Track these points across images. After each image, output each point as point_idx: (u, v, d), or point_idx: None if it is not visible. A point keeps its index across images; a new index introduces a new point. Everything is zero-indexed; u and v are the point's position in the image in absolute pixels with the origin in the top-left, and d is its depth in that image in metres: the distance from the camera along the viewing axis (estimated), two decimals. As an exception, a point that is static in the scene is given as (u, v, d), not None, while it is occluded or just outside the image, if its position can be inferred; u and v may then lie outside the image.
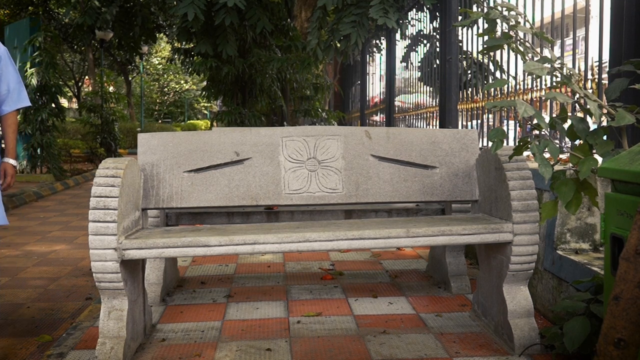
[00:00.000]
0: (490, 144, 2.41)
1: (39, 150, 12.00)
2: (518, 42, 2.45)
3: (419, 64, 7.13)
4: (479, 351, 2.69)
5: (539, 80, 3.85)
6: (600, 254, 2.98)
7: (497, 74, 5.38)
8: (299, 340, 2.86)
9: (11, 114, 2.99)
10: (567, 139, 2.95)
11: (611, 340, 1.62)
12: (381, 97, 9.56)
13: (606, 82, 3.21)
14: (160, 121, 39.32)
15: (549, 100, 3.74)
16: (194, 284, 3.93)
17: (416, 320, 3.13)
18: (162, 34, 19.92)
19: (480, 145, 3.67)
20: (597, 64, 3.19)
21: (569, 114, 2.49)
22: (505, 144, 4.03)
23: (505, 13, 2.46)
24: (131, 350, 2.66)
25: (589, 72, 3.35)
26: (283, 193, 3.08)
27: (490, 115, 5.02)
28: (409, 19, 7.10)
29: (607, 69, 3.04)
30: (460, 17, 5.11)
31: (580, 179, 2.22)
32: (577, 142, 2.45)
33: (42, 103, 12.02)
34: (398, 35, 7.90)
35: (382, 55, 9.37)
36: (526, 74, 3.74)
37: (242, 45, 9.76)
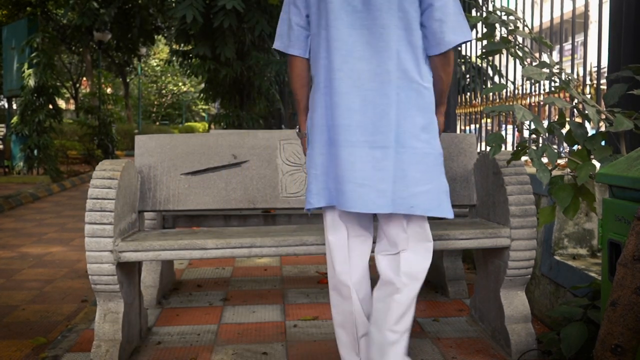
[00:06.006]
0: (488, 148, 2.41)
1: (35, 152, 11.99)
2: (517, 47, 2.45)
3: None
4: (476, 356, 2.68)
5: (537, 85, 3.85)
6: (598, 260, 2.98)
7: (496, 79, 5.39)
8: (296, 344, 2.85)
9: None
10: (565, 144, 2.95)
11: (608, 346, 1.62)
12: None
13: (605, 87, 3.22)
14: (157, 123, 39.27)
15: (547, 105, 3.74)
16: (190, 286, 3.92)
17: (413, 324, 3.12)
18: (160, 36, 19.93)
19: (478, 150, 3.66)
20: (596, 69, 3.19)
21: (567, 119, 2.49)
22: (503, 148, 4.05)
23: (504, 17, 2.46)
24: (127, 353, 2.65)
25: (588, 78, 3.35)
26: (280, 196, 3.07)
27: (489, 120, 5.02)
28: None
29: (605, 75, 3.04)
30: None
31: (578, 184, 2.21)
32: (575, 147, 2.45)
33: (39, 104, 12.01)
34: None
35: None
36: (525, 78, 3.74)
37: (241, 48, 9.77)
